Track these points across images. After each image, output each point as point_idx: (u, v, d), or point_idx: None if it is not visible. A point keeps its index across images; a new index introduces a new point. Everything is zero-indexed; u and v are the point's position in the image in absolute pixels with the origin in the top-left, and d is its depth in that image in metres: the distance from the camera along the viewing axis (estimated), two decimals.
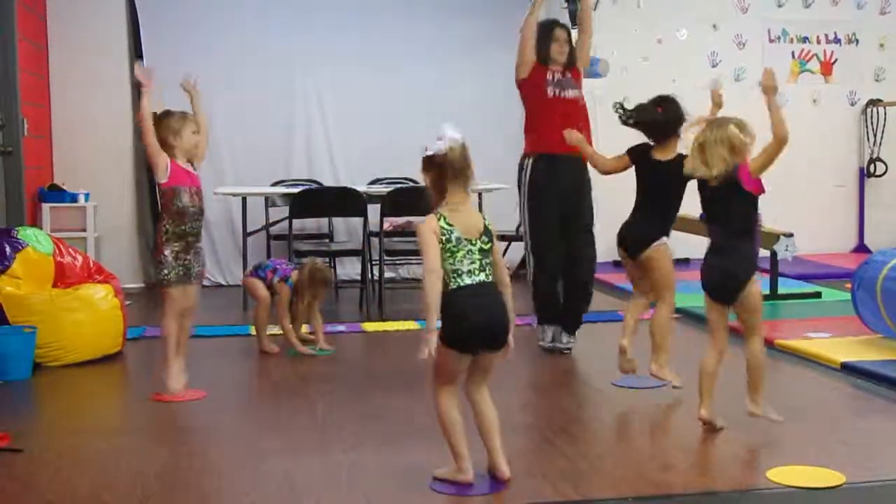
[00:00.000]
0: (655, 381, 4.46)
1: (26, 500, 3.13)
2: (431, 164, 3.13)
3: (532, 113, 5.36)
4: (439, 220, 3.09)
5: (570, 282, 5.30)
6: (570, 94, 5.30)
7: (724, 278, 3.71)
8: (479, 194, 6.94)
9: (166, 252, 4.33)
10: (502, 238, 7.25)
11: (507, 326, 3.14)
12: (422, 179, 3.19)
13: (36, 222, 7.05)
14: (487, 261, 3.13)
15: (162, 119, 4.33)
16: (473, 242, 3.11)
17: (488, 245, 3.13)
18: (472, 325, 3.08)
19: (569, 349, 5.30)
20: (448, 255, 3.07)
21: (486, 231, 3.14)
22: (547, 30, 5.37)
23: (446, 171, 3.10)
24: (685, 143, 4.23)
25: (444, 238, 3.06)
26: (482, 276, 3.11)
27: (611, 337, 5.25)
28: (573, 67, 5.38)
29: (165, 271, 4.34)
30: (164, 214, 4.38)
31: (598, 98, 7.19)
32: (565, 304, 5.33)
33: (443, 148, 3.08)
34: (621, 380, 4.54)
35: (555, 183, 5.18)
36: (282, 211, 7.09)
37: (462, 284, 3.08)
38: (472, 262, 3.10)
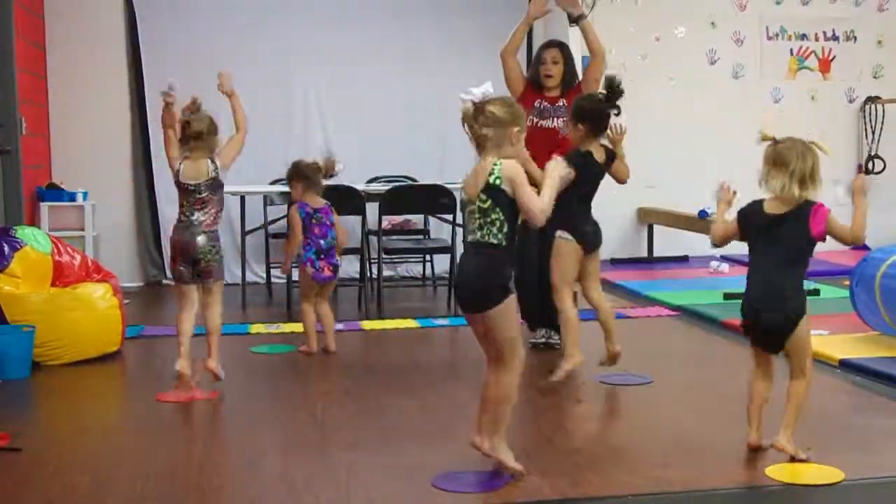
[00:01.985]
0: (642, 378, 4.51)
1: (26, 500, 3.13)
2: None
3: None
4: None
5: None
6: (548, 123, 5.08)
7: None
8: None
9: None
10: None
11: (473, 290, 3.17)
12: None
13: (34, 221, 7.05)
14: (488, 219, 3.12)
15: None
16: (473, 202, 3.14)
17: (487, 204, 3.11)
18: (456, 283, 3.30)
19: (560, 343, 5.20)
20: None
21: (487, 189, 3.10)
22: (538, 51, 5.20)
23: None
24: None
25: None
26: (477, 236, 3.15)
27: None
28: (571, 90, 5.07)
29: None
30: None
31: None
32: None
33: (479, 95, 3.08)
34: (609, 377, 4.58)
35: None
36: (280, 210, 7.10)
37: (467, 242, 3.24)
38: (473, 222, 3.16)
